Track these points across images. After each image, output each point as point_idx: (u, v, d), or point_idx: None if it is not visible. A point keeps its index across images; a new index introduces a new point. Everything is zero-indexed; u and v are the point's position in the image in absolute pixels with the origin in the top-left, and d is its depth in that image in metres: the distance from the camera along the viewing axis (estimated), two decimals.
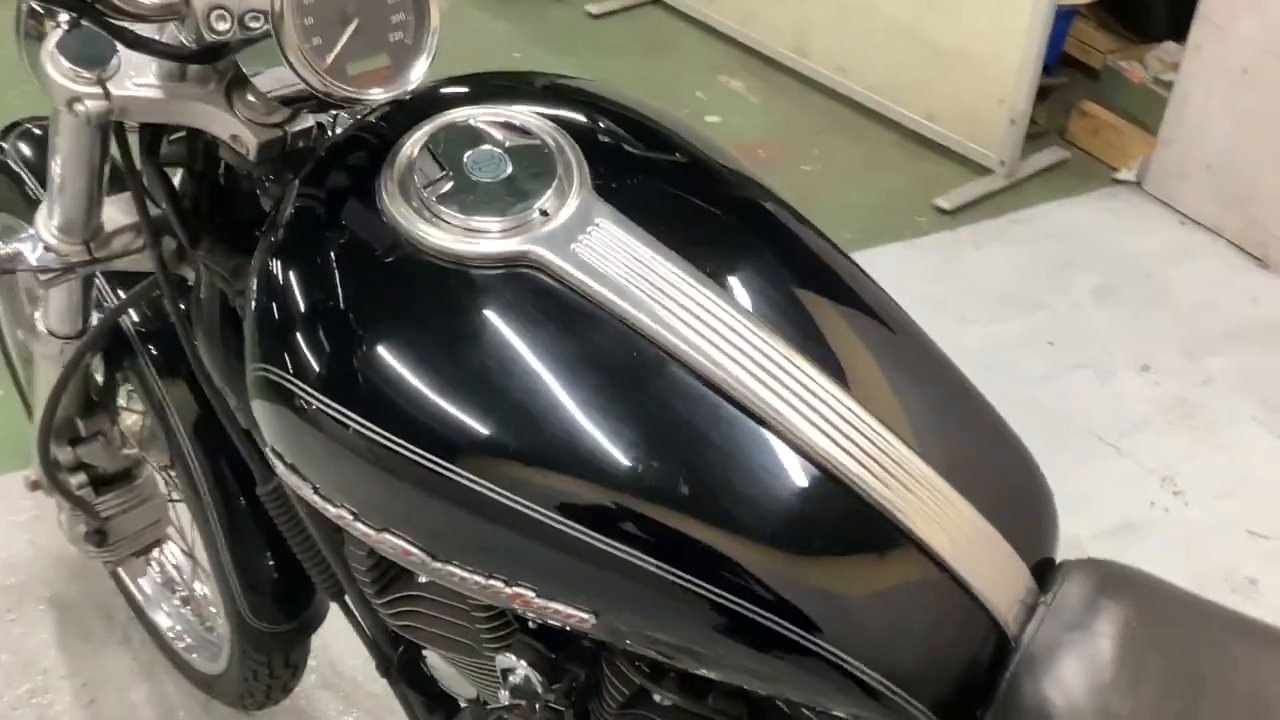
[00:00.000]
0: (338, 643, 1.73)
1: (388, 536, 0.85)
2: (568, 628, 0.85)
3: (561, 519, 0.80)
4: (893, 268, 2.74)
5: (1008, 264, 2.78)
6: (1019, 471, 0.91)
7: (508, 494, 0.80)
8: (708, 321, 0.83)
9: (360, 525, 0.86)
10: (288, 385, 0.84)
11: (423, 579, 1.05)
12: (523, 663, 0.99)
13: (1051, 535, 0.90)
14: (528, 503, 0.80)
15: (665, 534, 0.80)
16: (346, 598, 1.19)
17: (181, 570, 1.73)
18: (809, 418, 0.82)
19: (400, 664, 1.25)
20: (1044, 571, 0.87)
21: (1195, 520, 2.15)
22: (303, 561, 1.21)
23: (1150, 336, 2.56)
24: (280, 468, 0.90)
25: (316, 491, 0.88)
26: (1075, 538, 2.04)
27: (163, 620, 1.71)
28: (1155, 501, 2.18)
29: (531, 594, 0.83)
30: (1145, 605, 0.84)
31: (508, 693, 1.01)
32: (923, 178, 3.03)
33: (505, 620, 1.00)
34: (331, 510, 0.87)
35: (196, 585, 1.68)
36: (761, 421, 0.81)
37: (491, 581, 0.84)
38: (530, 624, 1.00)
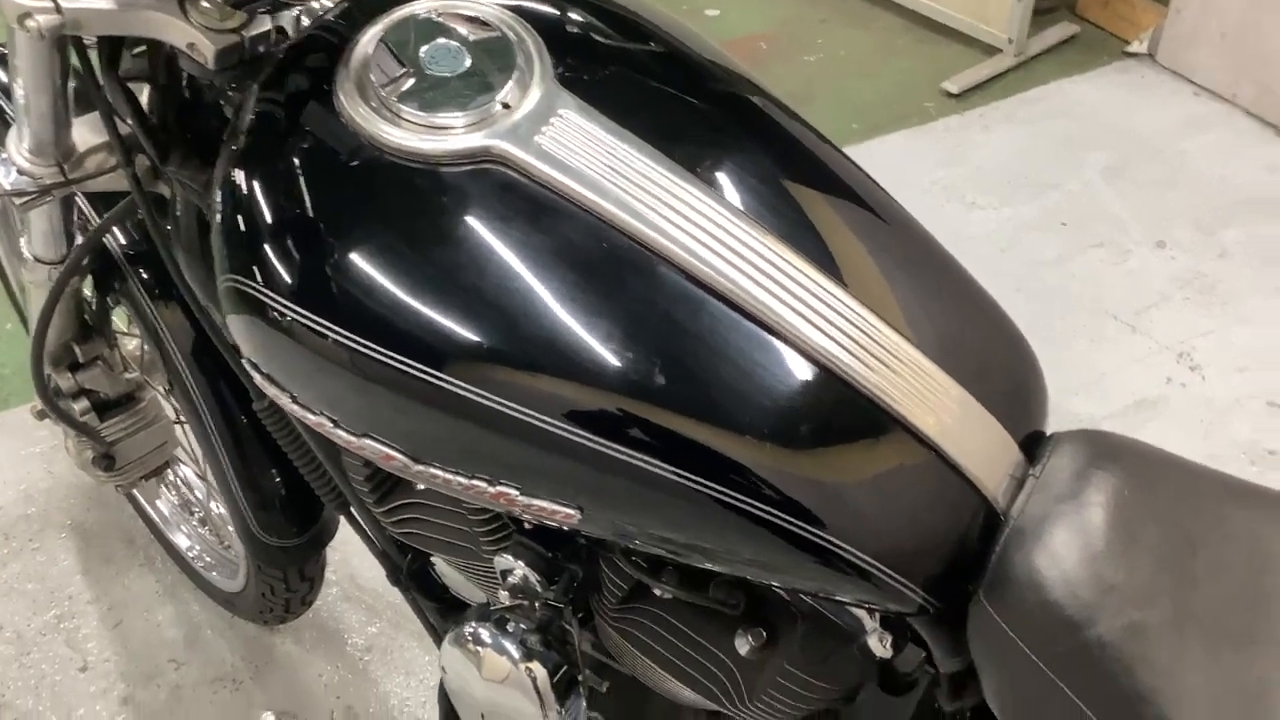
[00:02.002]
0: (356, 557, 1.75)
1: (368, 442, 0.85)
2: (554, 525, 0.85)
3: (541, 416, 0.79)
4: (901, 156, 2.70)
5: (1018, 145, 2.72)
6: (1005, 347, 0.90)
7: (485, 394, 0.79)
8: (682, 212, 0.81)
9: (340, 432, 0.86)
10: (258, 295, 0.83)
11: (421, 486, 1.05)
12: (520, 563, 0.99)
13: (1040, 408, 0.88)
14: (506, 402, 0.79)
15: (649, 428, 0.79)
16: (352, 509, 1.20)
17: (196, 490, 1.74)
18: (791, 305, 0.80)
19: (409, 572, 1.26)
20: (1034, 445, 0.85)
21: (1213, 395, 2.13)
22: (305, 475, 1.21)
23: (1164, 212, 2.52)
24: (258, 379, 0.89)
25: (295, 400, 0.87)
26: (1091, 417, 2.02)
27: (182, 541, 1.73)
28: (1172, 378, 2.16)
29: (515, 492, 0.83)
30: (1137, 473, 0.83)
31: (507, 593, 1.02)
32: (930, 62, 2.96)
33: (501, 522, 1.00)
34: (311, 418, 0.87)
35: (212, 505, 1.69)
36: (742, 311, 0.80)
37: (474, 481, 0.83)
38: (526, 525, 1.00)
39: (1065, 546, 0.79)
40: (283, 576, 1.50)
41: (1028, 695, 0.82)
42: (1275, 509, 0.83)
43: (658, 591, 0.98)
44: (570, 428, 0.79)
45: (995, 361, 0.88)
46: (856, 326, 0.81)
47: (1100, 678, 0.77)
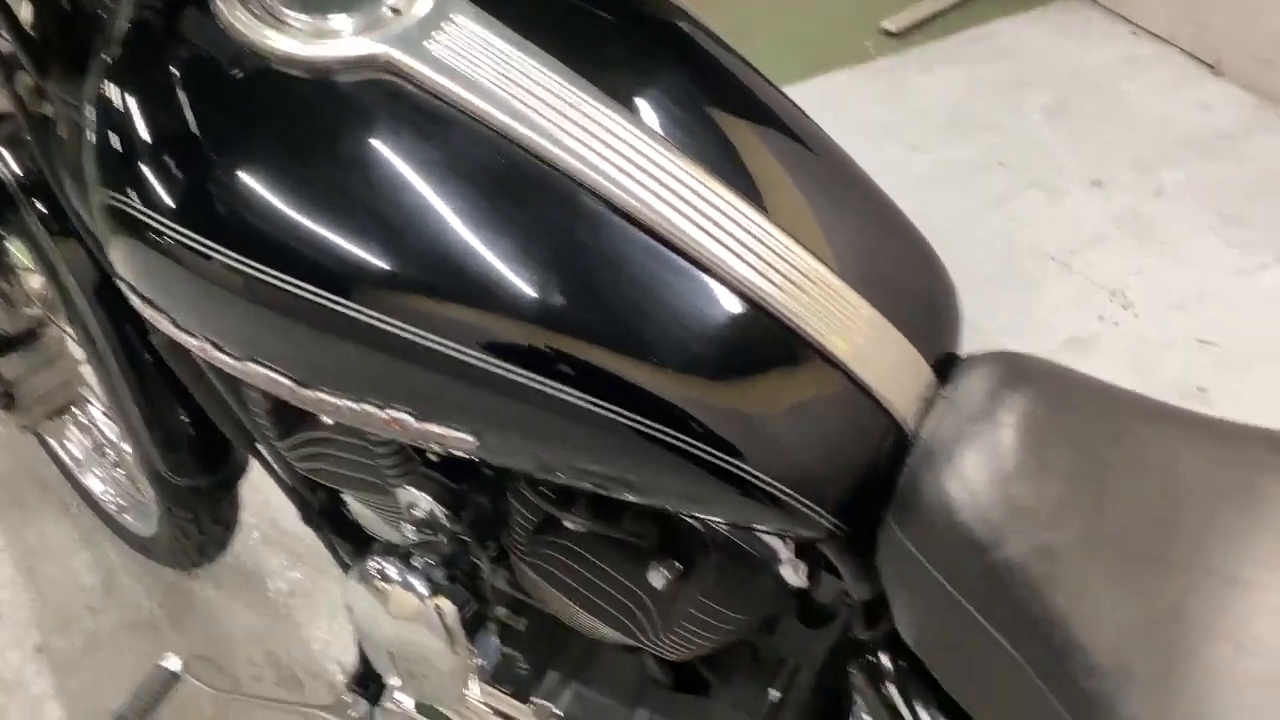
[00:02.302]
0: (279, 500, 1.71)
1: (252, 366, 0.81)
2: (452, 452, 0.82)
3: (432, 337, 0.75)
4: (840, 95, 2.67)
5: (958, 85, 2.70)
6: (919, 269, 0.87)
7: (374, 314, 0.75)
8: (587, 128, 0.77)
9: (223, 356, 0.82)
10: (133, 213, 0.79)
11: (327, 420, 1.02)
12: (425, 496, 0.96)
13: (953, 331, 0.86)
14: (396, 322, 0.76)
15: (547, 351, 0.76)
16: (258, 446, 1.16)
17: (108, 431, 1.69)
18: (704, 227, 0.77)
19: (322, 511, 1.22)
20: (947, 367, 0.83)
21: (1146, 332, 2.13)
22: (208, 411, 1.17)
23: (1102, 152, 2.51)
24: (136, 301, 0.85)
25: (175, 325, 0.83)
26: None
27: (95, 484, 1.69)
28: (1105, 316, 2.16)
29: (408, 418, 0.79)
30: (1051, 394, 0.81)
31: (413, 527, 0.99)
32: (869, 1, 2.93)
33: (405, 454, 0.97)
34: (193, 343, 0.83)
35: (125, 445, 1.64)
36: (650, 232, 0.76)
37: (364, 407, 0.80)
38: (431, 457, 0.97)
39: (974, 468, 0.77)
40: (194, 519, 1.46)
41: (936, 619, 0.80)
42: (1189, 430, 0.82)
43: (569, 525, 0.95)
44: (464, 349, 0.76)
45: (909, 284, 0.86)
46: (770, 249, 0.77)
47: (1008, 600, 0.75)
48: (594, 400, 0.77)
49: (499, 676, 1.11)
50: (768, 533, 0.90)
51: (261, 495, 1.69)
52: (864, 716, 0.93)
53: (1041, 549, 0.75)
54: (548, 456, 0.83)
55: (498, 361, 0.76)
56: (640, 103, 0.81)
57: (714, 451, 0.77)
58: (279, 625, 1.65)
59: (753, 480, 0.78)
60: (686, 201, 0.77)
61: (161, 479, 1.35)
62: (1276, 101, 2.59)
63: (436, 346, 0.75)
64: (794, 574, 0.91)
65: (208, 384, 1.13)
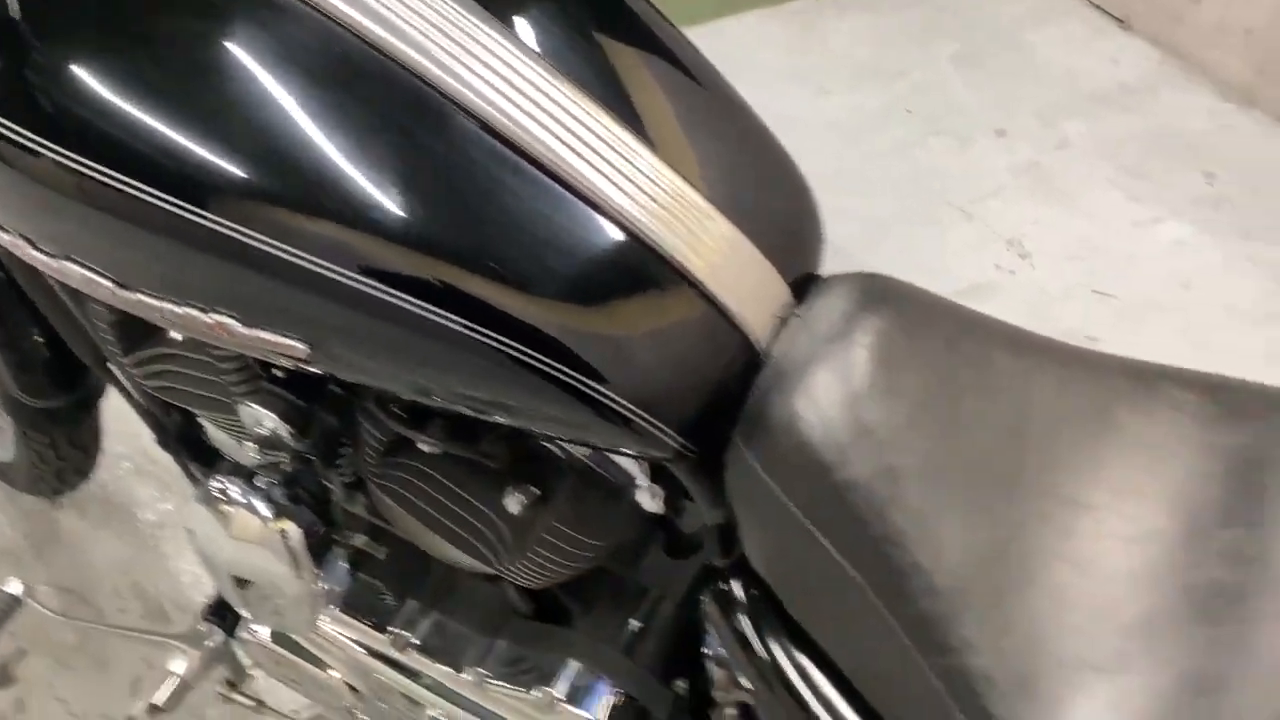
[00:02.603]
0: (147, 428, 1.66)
1: (69, 265, 0.76)
2: (283, 362, 0.78)
3: (263, 238, 0.72)
4: (752, 38, 2.63)
5: (869, 32, 2.68)
6: (783, 190, 0.85)
7: (196, 211, 0.71)
8: (450, 34, 0.74)
9: (37, 254, 0.77)
10: None
11: (175, 335, 0.97)
12: (270, 413, 0.92)
13: (814, 252, 0.84)
14: (220, 220, 0.71)
15: (387, 259, 0.72)
16: (109, 365, 1.10)
17: None
18: (570, 144, 0.74)
19: (178, 435, 1.17)
20: (806, 287, 0.81)
21: (1041, 282, 2.14)
22: (58, 328, 1.11)
23: (1008, 101, 2.50)
24: None
25: None
26: None
27: None
28: (1002, 265, 2.16)
29: (234, 323, 0.75)
30: (908, 317, 0.79)
31: (258, 447, 0.95)
32: None
33: (250, 370, 0.93)
34: (5, 238, 0.78)
35: None
36: (512, 146, 0.73)
37: (187, 310, 0.75)
38: (276, 373, 0.93)
39: (824, 388, 0.75)
40: (51, 443, 1.40)
41: (780, 542, 0.78)
42: (1045, 357, 0.81)
43: (422, 446, 0.92)
44: (296, 252, 0.72)
45: (771, 204, 0.83)
46: (634, 165, 0.75)
47: (852, 522, 0.73)
48: (435, 311, 0.73)
49: (356, 605, 1.07)
50: (614, 452, 0.88)
51: (132, 425, 1.63)
52: (717, 647, 0.92)
53: (887, 470, 0.73)
54: (389, 370, 0.80)
55: (332, 266, 0.72)
56: (518, 20, 0.78)
57: (555, 365, 0.74)
58: (146, 557, 1.60)
59: (597, 397, 0.75)
60: (552, 117, 0.74)
61: (15, 401, 1.30)
62: (1183, 57, 2.60)
63: (266, 248, 0.72)
64: (650, 500, 0.89)
65: (56, 300, 1.08)
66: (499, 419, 0.83)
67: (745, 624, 0.86)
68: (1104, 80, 2.57)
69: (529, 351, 0.74)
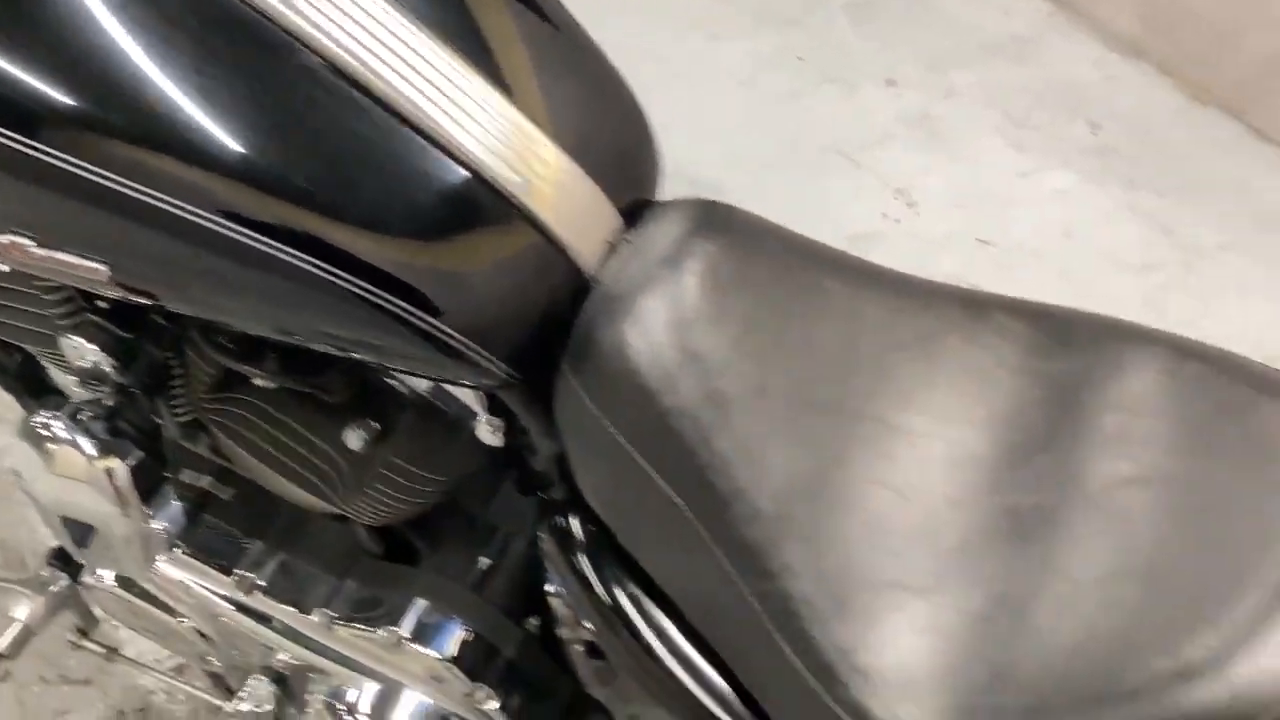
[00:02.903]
0: None
1: None
2: (84, 286, 0.75)
3: (52, 151, 0.68)
4: None
5: None
6: (616, 117, 0.82)
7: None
8: None
9: None
10: None
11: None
12: (92, 345, 0.89)
13: (649, 178, 0.82)
14: (12, 135, 0.68)
15: (196, 177, 0.70)
16: None
17: None
18: (394, 66, 0.71)
19: (18, 374, 1.13)
20: (639, 213, 0.79)
21: (926, 230, 2.15)
22: None
23: (900, 51, 2.50)
24: None
25: None
26: None
27: None
28: (889, 213, 2.17)
29: (29, 243, 0.72)
30: (740, 242, 0.78)
31: (82, 382, 0.91)
32: None
33: (74, 301, 0.89)
34: None
35: None
36: (346, 78, 0.70)
37: None
38: (100, 304, 0.89)
39: (652, 313, 0.74)
40: None
41: (608, 469, 0.77)
42: (877, 284, 0.80)
43: (257, 381, 0.90)
44: (98, 171, 0.69)
45: (603, 132, 0.81)
46: (465, 94, 0.73)
47: (676, 449, 0.72)
48: (260, 239, 0.71)
49: (201, 548, 1.05)
50: (445, 382, 0.86)
51: None
52: (559, 585, 0.91)
53: (712, 396, 0.73)
54: (208, 299, 0.77)
55: (141, 188, 0.69)
56: None
57: (383, 296, 0.72)
58: (2, 505, 1.54)
59: (425, 327, 0.73)
60: (387, 47, 0.71)
61: None
62: (1073, 9, 2.62)
63: (55, 161, 0.68)
64: (490, 434, 0.87)
65: None
66: (328, 350, 0.80)
67: (584, 562, 0.85)
68: (995, 31, 2.58)
69: (355, 281, 0.72)
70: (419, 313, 0.73)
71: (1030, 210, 2.19)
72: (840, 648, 0.68)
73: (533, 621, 1.00)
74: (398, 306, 0.73)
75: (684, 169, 2.09)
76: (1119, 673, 0.63)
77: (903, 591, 0.69)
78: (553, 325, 0.75)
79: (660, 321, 0.73)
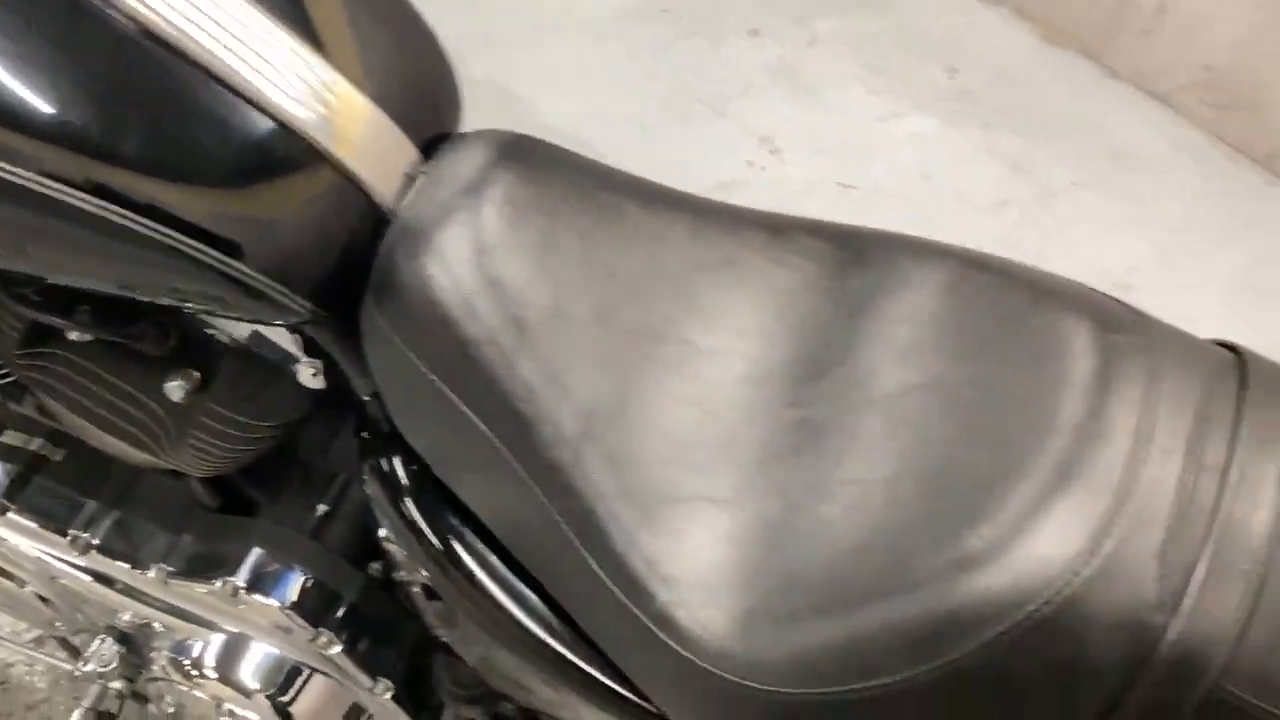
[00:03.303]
0: None
1: None
2: None
3: None
4: None
5: None
6: (412, 50, 0.82)
7: None
8: None
9: None
10: None
11: None
12: None
13: (449, 113, 0.82)
14: None
15: None
16: None
17: None
18: (196, 21, 0.70)
19: None
20: (437, 146, 0.79)
21: (791, 176, 2.18)
22: None
23: (762, 3, 2.52)
24: None
25: None
26: None
27: None
28: (754, 161, 2.20)
29: None
30: (540, 171, 0.79)
31: None
32: None
33: None
34: None
35: None
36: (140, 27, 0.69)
37: None
38: None
39: (451, 243, 0.74)
40: None
41: (417, 402, 0.78)
42: (678, 209, 0.81)
43: (71, 336, 0.88)
44: None
45: (400, 68, 0.80)
46: (255, 36, 0.72)
47: (479, 377, 0.73)
48: (58, 188, 0.70)
49: (34, 509, 1.03)
50: (252, 322, 0.86)
51: None
52: (386, 528, 0.91)
53: (514, 321, 0.73)
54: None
55: None
56: None
57: (179, 237, 0.72)
58: None
59: (220, 266, 0.73)
60: (191, 4, 0.70)
61: None
62: None
63: None
64: (311, 376, 0.87)
65: None
66: (136, 297, 0.80)
67: (410, 507, 0.86)
68: None
69: (158, 228, 0.71)
70: (221, 256, 0.73)
71: (889, 154, 2.24)
72: (646, 560, 0.70)
73: (375, 566, 1.00)
74: (200, 251, 0.72)
75: (546, 122, 2.10)
76: (904, 567, 0.65)
77: (704, 503, 0.70)
78: (354, 261, 0.75)
79: (459, 251, 0.74)
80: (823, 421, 0.71)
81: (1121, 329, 0.70)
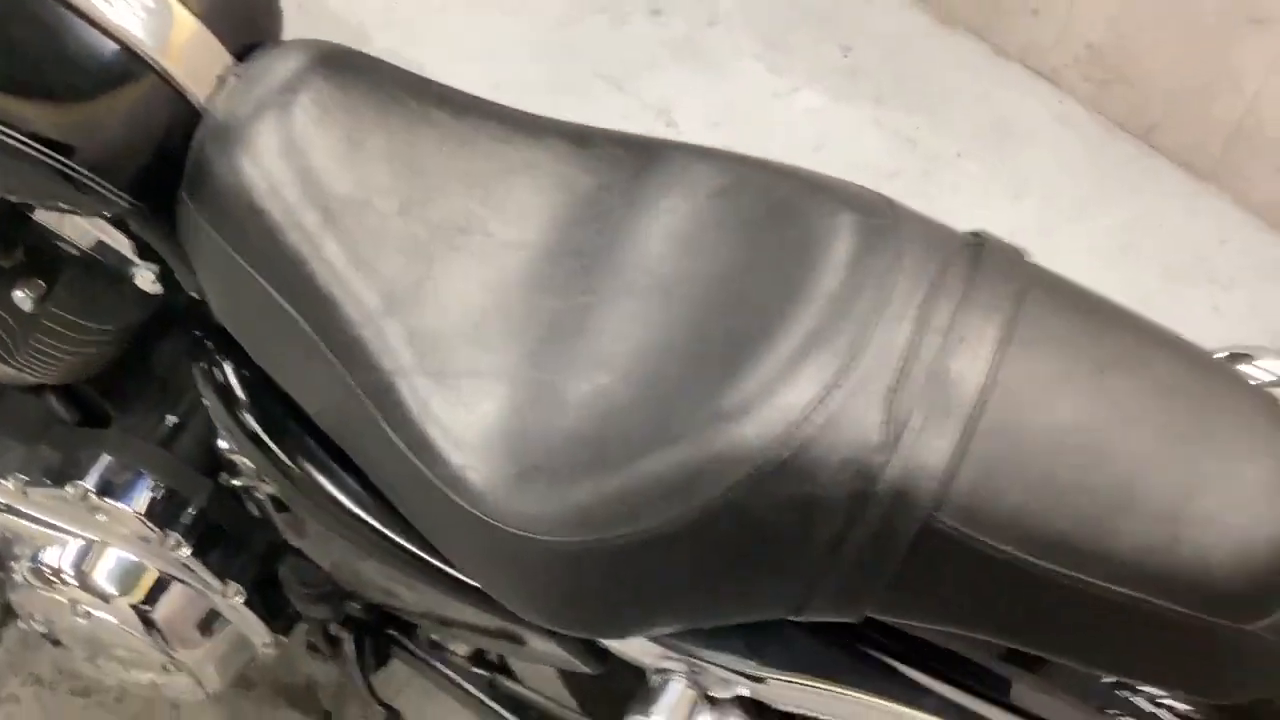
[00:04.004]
0: None
1: None
2: None
3: None
4: None
5: None
6: None
7: None
8: None
9: None
10: None
11: None
12: None
13: (264, 27, 0.87)
14: None
15: None
16: None
17: None
18: None
19: None
20: (252, 53, 0.85)
21: None
22: None
23: None
24: None
25: None
26: None
27: None
28: (650, 132, 2.24)
29: None
30: (353, 76, 0.84)
31: None
32: None
33: None
34: None
35: None
36: None
37: None
38: None
39: (259, 136, 0.80)
40: None
41: (231, 291, 0.83)
42: (486, 117, 0.87)
43: None
44: None
45: None
46: None
47: (288, 261, 0.78)
48: None
49: None
50: (72, 212, 0.90)
51: None
52: (226, 440, 0.96)
53: (321, 209, 0.79)
54: None
55: None
56: None
57: (18, 136, 0.77)
58: None
59: (53, 163, 0.78)
60: None
61: None
62: None
63: None
64: (149, 282, 0.92)
65: None
66: None
67: (249, 419, 0.91)
68: None
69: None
70: (54, 155, 0.78)
71: (784, 127, 2.31)
72: (440, 428, 0.75)
73: (225, 475, 1.05)
74: (36, 150, 0.77)
75: None
76: (666, 424, 0.71)
77: (491, 376, 0.76)
78: (169, 156, 0.80)
79: (267, 144, 0.79)
80: (600, 301, 0.78)
81: (877, 216, 0.77)
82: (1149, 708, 0.83)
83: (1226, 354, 0.87)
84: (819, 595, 0.70)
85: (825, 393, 0.67)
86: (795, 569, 0.69)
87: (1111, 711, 0.83)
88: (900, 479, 0.66)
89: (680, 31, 2.48)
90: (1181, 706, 0.82)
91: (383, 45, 2.37)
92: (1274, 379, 0.84)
